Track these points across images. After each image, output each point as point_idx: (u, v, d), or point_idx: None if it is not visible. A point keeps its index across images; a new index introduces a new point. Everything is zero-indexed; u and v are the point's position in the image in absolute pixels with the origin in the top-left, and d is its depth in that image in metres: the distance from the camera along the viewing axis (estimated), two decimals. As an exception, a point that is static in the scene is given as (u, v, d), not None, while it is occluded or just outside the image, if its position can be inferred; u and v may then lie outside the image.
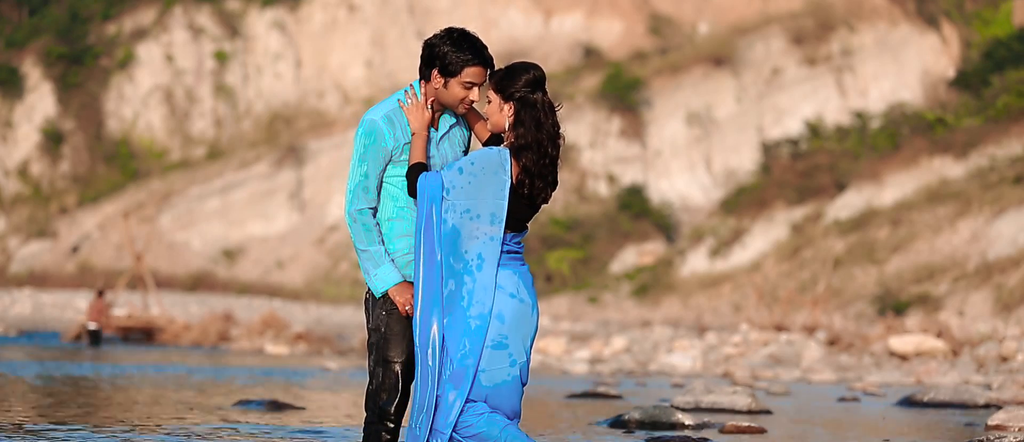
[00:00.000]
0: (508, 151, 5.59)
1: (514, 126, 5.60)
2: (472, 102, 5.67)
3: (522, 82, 5.61)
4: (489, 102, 5.66)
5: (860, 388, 15.94)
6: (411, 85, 5.73)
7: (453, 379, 5.53)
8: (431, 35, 5.69)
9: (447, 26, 5.78)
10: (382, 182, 5.68)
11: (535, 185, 5.60)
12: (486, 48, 5.69)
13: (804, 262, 62.87)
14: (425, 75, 5.69)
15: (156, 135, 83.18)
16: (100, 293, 30.18)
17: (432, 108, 5.71)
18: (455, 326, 5.54)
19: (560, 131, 5.65)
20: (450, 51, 5.62)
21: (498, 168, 5.56)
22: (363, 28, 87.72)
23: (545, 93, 5.64)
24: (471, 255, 5.55)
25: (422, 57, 5.70)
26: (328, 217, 79.40)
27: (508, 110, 5.61)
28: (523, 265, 5.67)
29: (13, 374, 14.51)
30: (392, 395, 5.63)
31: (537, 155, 5.58)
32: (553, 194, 5.73)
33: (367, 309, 5.72)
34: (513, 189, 5.59)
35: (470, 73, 5.62)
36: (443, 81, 5.63)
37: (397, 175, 5.67)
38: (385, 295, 5.63)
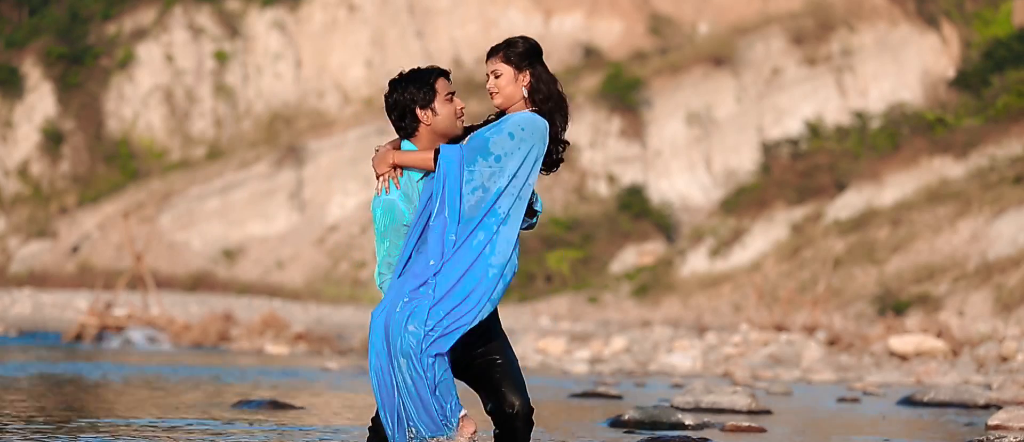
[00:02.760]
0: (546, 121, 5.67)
1: (533, 92, 5.67)
2: (463, 109, 5.71)
3: (525, 50, 5.71)
4: (498, 76, 5.68)
5: (860, 388, 15.93)
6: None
7: (463, 307, 5.53)
8: (384, 98, 5.73)
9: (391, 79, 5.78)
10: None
11: (559, 149, 5.74)
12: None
13: (804, 262, 62.86)
14: (409, 128, 5.69)
15: (156, 135, 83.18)
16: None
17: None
18: (461, 264, 5.54)
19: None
20: (412, 86, 5.67)
21: (544, 136, 5.64)
22: (363, 28, 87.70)
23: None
24: (503, 209, 5.58)
25: (394, 118, 5.71)
26: (328, 217, 79.39)
27: (524, 79, 5.68)
28: None
29: (13, 374, 14.50)
30: None
31: (562, 118, 5.71)
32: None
33: None
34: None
35: (442, 84, 5.68)
36: (431, 113, 5.66)
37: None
38: None
